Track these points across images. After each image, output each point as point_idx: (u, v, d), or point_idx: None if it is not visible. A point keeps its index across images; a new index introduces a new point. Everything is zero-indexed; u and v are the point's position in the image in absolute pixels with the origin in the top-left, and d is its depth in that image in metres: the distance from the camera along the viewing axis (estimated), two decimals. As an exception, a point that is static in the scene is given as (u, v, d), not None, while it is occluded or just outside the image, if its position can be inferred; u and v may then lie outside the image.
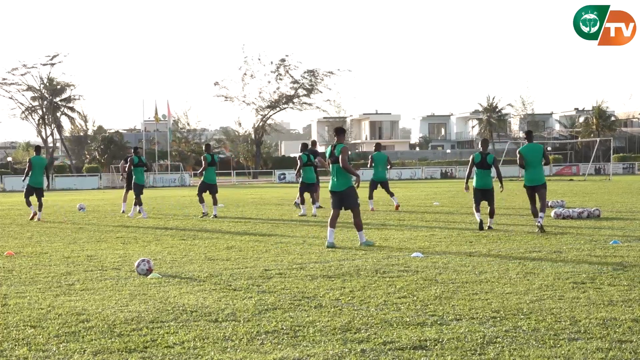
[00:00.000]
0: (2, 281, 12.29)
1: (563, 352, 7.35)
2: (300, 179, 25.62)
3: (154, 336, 8.23)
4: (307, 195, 26.65)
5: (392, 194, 28.66)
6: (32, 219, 25.27)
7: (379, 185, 28.37)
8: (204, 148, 28.37)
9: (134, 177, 26.61)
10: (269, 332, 8.33)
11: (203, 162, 26.35)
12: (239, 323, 8.80)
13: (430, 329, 8.38)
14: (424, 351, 7.49)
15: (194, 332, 8.40)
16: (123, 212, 28.31)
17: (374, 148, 28.71)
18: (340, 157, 16.41)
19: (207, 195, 26.56)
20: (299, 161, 25.88)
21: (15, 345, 7.97)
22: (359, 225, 16.67)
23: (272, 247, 16.47)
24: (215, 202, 26.13)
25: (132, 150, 28.61)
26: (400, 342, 7.82)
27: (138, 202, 26.33)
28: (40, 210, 25.33)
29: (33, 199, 25.73)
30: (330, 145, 17.03)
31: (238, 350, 7.63)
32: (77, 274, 12.86)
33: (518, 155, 19.58)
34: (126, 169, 27.73)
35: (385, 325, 8.56)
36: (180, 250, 16.28)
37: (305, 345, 7.80)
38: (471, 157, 20.20)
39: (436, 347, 7.64)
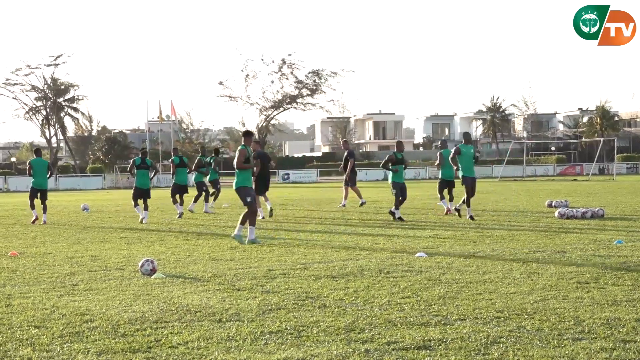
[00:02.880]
0: (6, 281, 12.30)
1: (567, 352, 7.35)
2: None
3: (157, 336, 8.24)
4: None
5: (451, 197, 25.05)
6: (33, 222, 24.33)
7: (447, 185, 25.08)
8: (172, 152, 28.57)
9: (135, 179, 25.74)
10: (272, 332, 8.33)
11: (171, 166, 26.92)
12: (243, 323, 8.81)
13: (434, 329, 8.38)
14: (428, 351, 7.49)
15: (197, 332, 8.40)
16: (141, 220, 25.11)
17: (440, 145, 26.27)
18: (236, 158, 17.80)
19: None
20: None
21: (20, 345, 7.98)
22: (243, 221, 17.67)
23: (276, 247, 16.48)
24: (181, 202, 26.86)
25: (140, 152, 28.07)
26: (404, 342, 7.82)
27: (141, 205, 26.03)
28: (44, 212, 24.60)
29: (37, 202, 24.85)
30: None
31: (242, 351, 7.63)
32: (81, 274, 12.87)
33: (454, 151, 22.90)
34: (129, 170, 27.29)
35: (389, 325, 8.56)
36: (184, 250, 16.29)
37: (309, 345, 7.80)
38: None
39: (440, 347, 7.64)
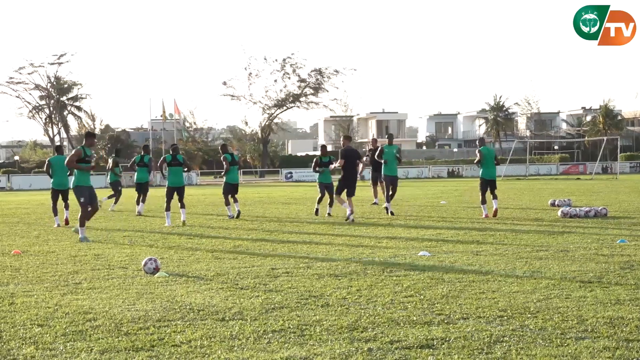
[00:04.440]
0: (10, 280, 12.31)
1: (570, 351, 7.35)
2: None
3: (161, 335, 8.24)
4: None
5: (494, 196, 23.62)
6: (66, 223, 22.74)
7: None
8: (220, 149, 26.31)
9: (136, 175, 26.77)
10: (275, 331, 8.33)
11: (224, 164, 24.84)
12: (246, 322, 8.81)
13: (437, 327, 8.38)
14: (431, 350, 7.49)
15: (200, 331, 8.40)
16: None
17: (478, 143, 24.66)
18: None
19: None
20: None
21: (23, 344, 7.99)
22: (81, 223, 18.34)
23: (279, 245, 16.48)
24: (235, 201, 24.96)
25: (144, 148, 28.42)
26: (407, 341, 7.82)
27: (138, 199, 26.71)
28: (67, 209, 23.04)
29: (60, 204, 23.16)
30: None
31: (245, 349, 7.63)
32: (84, 273, 12.88)
33: (379, 150, 25.74)
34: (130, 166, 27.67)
35: (392, 324, 8.56)
36: (187, 249, 16.29)
37: (312, 344, 7.80)
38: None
39: (443, 346, 7.64)
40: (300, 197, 38.49)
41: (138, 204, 27.20)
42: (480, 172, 23.81)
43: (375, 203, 29.44)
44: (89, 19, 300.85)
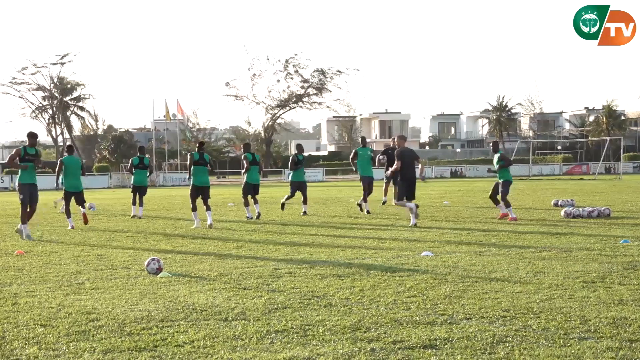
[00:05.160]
0: (13, 280, 12.32)
1: (573, 351, 7.34)
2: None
3: (164, 335, 8.24)
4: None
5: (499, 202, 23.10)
6: (85, 222, 21.99)
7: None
8: (242, 148, 25.85)
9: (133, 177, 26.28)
10: (278, 331, 8.33)
11: (245, 163, 24.43)
12: (249, 322, 8.81)
13: (440, 328, 8.37)
14: (434, 350, 7.48)
15: (203, 331, 8.40)
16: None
17: (492, 147, 24.06)
18: None
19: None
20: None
21: (26, 344, 7.99)
22: (23, 220, 19.01)
23: (282, 246, 16.48)
24: (255, 202, 24.48)
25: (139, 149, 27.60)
26: (410, 341, 7.82)
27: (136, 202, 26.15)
28: (83, 207, 22.19)
29: (73, 206, 22.57)
30: None
31: (248, 349, 7.63)
32: (87, 273, 12.89)
33: (352, 153, 26.70)
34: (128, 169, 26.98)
35: (395, 325, 8.56)
36: (190, 249, 16.30)
37: (315, 344, 7.80)
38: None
39: (446, 346, 7.63)
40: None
41: (134, 204, 26.18)
42: (508, 175, 22.77)
43: (384, 202, 29.26)
44: (92, 20, 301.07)
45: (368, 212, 25.23)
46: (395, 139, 20.68)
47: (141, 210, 25.98)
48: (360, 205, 26.01)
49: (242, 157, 24.78)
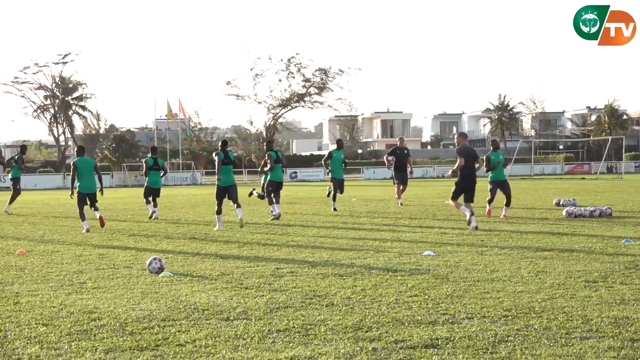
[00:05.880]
0: (14, 279, 12.33)
1: (575, 350, 7.34)
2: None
3: (165, 334, 8.24)
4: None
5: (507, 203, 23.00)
6: (101, 224, 21.08)
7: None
8: (265, 146, 25.10)
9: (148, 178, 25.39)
10: (280, 331, 8.33)
11: (269, 162, 23.97)
12: (251, 321, 8.81)
13: (442, 327, 8.37)
14: (436, 350, 7.48)
15: (205, 330, 8.41)
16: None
17: (491, 147, 23.51)
18: None
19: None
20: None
21: (27, 343, 8.00)
22: None
23: (284, 245, 16.48)
24: (277, 201, 23.96)
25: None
26: (412, 340, 7.82)
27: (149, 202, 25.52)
28: (97, 210, 21.23)
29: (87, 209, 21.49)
30: None
31: (249, 349, 7.63)
32: (89, 273, 12.90)
33: (326, 154, 27.05)
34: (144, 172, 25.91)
35: (397, 324, 8.56)
36: (191, 248, 16.30)
37: (316, 343, 7.80)
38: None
39: (448, 345, 7.63)
40: (304, 197, 38.50)
41: (148, 203, 25.52)
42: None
43: (400, 203, 29.08)
44: (94, 19, 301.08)
45: (335, 209, 26.67)
46: (458, 137, 19.77)
47: (157, 211, 25.33)
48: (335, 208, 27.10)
49: (266, 155, 24.31)
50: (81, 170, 21.16)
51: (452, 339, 7.86)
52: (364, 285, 11.14)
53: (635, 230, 18.23)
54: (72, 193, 21.48)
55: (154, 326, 8.63)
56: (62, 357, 7.47)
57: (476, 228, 19.04)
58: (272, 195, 23.95)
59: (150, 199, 25.45)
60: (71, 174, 21.42)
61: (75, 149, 24.57)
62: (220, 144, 21.88)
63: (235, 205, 21.18)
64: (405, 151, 29.46)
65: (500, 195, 22.78)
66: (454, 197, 19.89)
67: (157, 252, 15.49)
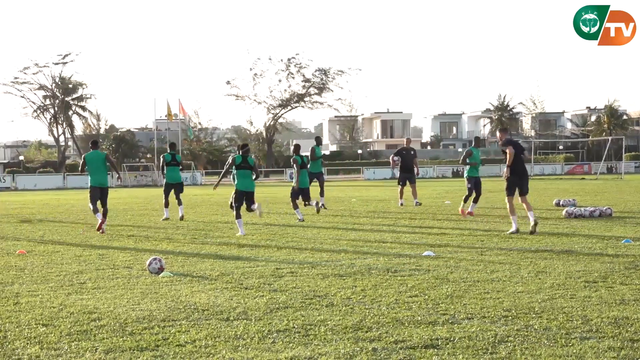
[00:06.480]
0: (14, 279, 12.32)
1: (575, 351, 7.34)
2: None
3: (165, 335, 8.24)
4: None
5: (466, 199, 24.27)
6: (99, 229, 20.00)
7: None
8: (293, 150, 24.28)
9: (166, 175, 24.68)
10: (280, 331, 8.33)
11: (295, 167, 23.50)
12: (251, 322, 8.81)
13: (442, 327, 8.37)
14: (436, 350, 7.48)
15: (205, 330, 8.41)
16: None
17: (474, 142, 25.19)
18: None
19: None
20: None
21: (27, 343, 8.00)
22: None
23: (284, 245, 16.47)
24: (310, 202, 23.91)
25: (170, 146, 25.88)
26: (412, 341, 7.82)
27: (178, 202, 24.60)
28: (104, 217, 20.27)
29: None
30: None
31: (249, 349, 7.63)
32: (89, 273, 12.89)
33: (311, 150, 27.47)
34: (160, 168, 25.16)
35: (397, 324, 8.56)
36: (191, 248, 16.30)
37: (316, 344, 7.80)
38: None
39: (447, 346, 7.63)
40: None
41: (167, 206, 24.50)
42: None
43: (402, 204, 28.85)
44: (94, 19, 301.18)
45: (316, 206, 25.76)
46: (499, 132, 19.09)
47: (182, 209, 24.48)
48: (318, 203, 25.79)
49: (292, 160, 23.82)
50: (90, 164, 20.55)
51: (452, 339, 7.86)
52: (364, 286, 11.14)
53: (635, 230, 18.23)
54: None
55: (154, 326, 8.63)
56: (62, 358, 7.47)
57: (536, 224, 18.23)
58: (298, 200, 23.59)
59: (171, 199, 24.46)
60: (80, 167, 21.02)
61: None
62: (239, 146, 21.02)
63: (253, 204, 20.15)
64: (412, 152, 29.27)
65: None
66: (510, 192, 18.79)
67: (157, 252, 15.49)
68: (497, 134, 19.23)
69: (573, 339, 7.80)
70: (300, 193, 23.77)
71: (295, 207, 23.41)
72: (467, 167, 24.38)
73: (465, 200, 24.00)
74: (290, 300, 10.10)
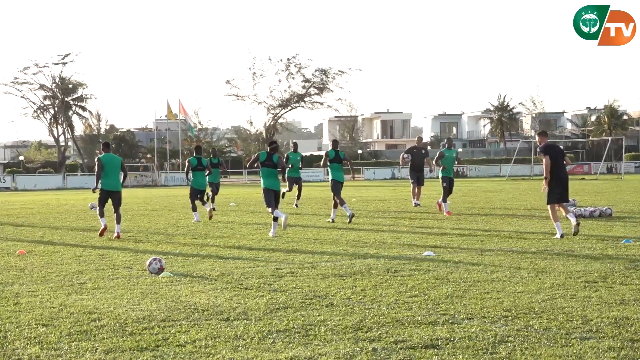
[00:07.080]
0: (14, 280, 12.32)
1: (575, 351, 7.34)
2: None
3: (165, 335, 8.24)
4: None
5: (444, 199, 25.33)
6: (101, 234, 19.33)
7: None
8: (331, 144, 23.63)
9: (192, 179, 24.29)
10: (280, 331, 8.33)
11: (325, 159, 23.10)
12: (251, 322, 8.81)
13: (442, 328, 8.37)
14: (436, 350, 7.48)
15: (205, 330, 8.41)
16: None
17: (446, 144, 27.44)
18: None
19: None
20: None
21: (27, 343, 8.00)
22: None
23: (284, 245, 16.47)
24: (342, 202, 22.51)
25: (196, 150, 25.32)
26: (412, 341, 7.82)
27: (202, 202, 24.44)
28: (118, 222, 19.52)
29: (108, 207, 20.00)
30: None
31: (249, 349, 7.63)
32: (89, 273, 12.89)
33: (285, 157, 28.40)
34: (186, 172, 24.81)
35: (397, 324, 8.56)
36: (191, 249, 16.29)
37: (316, 344, 7.80)
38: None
39: (447, 346, 7.63)
40: (304, 197, 38.48)
41: (195, 210, 23.86)
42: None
43: (416, 204, 28.45)
44: (94, 19, 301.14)
45: (297, 205, 28.38)
46: (538, 136, 18.39)
47: (212, 206, 25.54)
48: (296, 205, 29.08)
49: (325, 153, 23.24)
50: (107, 168, 19.62)
51: (452, 339, 7.86)
52: (364, 286, 11.14)
53: (635, 231, 18.24)
54: (96, 187, 19.88)
55: (154, 326, 8.63)
56: (62, 358, 7.47)
57: (579, 224, 17.46)
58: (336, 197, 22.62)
59: (198, 202, 24.08)
60: (96, 170, 19.76)
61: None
62: (268, 145, 20.21)
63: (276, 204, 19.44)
64: (423, 151, 28.97)
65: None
66: (550, 200, 17.85)
67: (157, 252, 15.49)
68: (536, 137, 18.47)
69: (573, 339, 7.80)
70: (339, 186, 22.74)
71: (335, 206, 22.79)
72: (441, 167, 25.24)
73: (445, 200, 25.08)
74: (290, 300, 10.10)
